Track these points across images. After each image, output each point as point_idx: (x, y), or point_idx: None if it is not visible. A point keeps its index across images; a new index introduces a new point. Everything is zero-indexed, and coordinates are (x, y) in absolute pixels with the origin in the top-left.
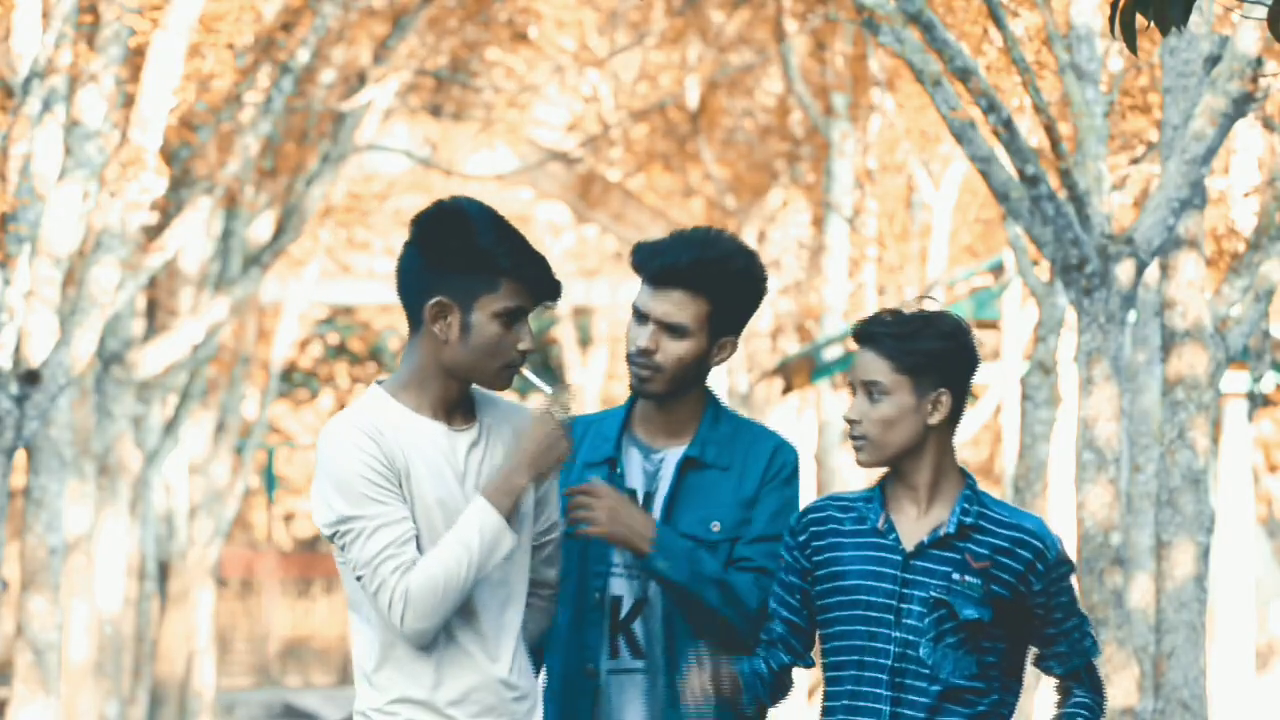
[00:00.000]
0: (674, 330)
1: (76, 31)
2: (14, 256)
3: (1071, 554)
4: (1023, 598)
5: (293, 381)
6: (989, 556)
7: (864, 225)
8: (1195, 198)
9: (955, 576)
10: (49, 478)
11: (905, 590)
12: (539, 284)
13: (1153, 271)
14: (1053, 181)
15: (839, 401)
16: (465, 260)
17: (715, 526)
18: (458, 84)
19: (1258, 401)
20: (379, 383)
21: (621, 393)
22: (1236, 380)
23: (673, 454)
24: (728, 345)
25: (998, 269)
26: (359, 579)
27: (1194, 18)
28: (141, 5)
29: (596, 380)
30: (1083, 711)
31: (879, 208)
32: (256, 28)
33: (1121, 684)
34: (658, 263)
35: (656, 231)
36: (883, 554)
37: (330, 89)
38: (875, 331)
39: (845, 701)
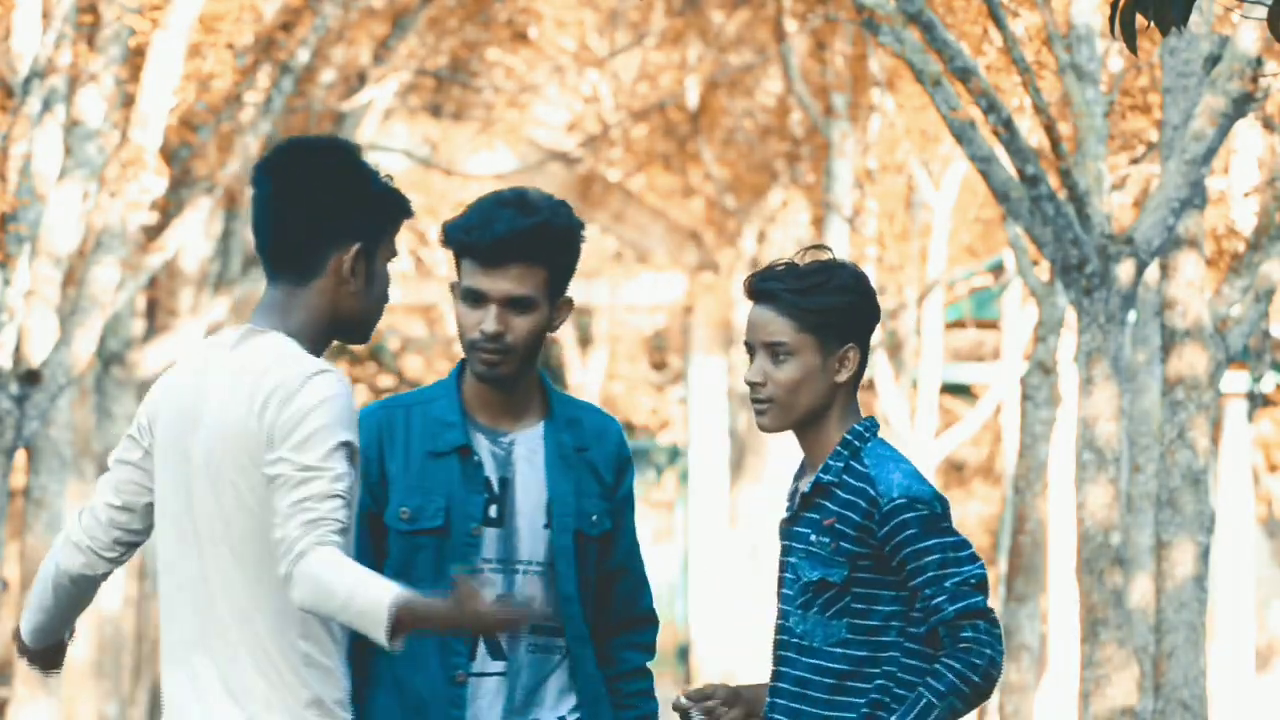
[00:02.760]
0: (520, 306)
1: (76, 31)
2: (14, 256)
3: (1071, 555)
4: (877, 552)
5: None
6: (836, 512)
7: (864, 225)
8: (1195, 198)
9: (812, 538)
10: (49, 478)
11: (784, 558)
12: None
13: (1153, 271)
14: (1053, 181)
15: None
16: (371, 202)
17: (595, 520)
18: (458, 84)
19: (1258, 401)
20: (281, 332)
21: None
22: (1236, 380)
23: (523, 436)
24: (564, 307)
25: (998, 269)
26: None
27: (1194, 18)
28: (141, 5)
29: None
30: (930, 682)
31: (879, 208)
32: (256, 28)
33: (1121, 684)
34: (488, 240)
35: (657, 231)
36: (783, 526)
37: (330, 89)
38: (774, 288)
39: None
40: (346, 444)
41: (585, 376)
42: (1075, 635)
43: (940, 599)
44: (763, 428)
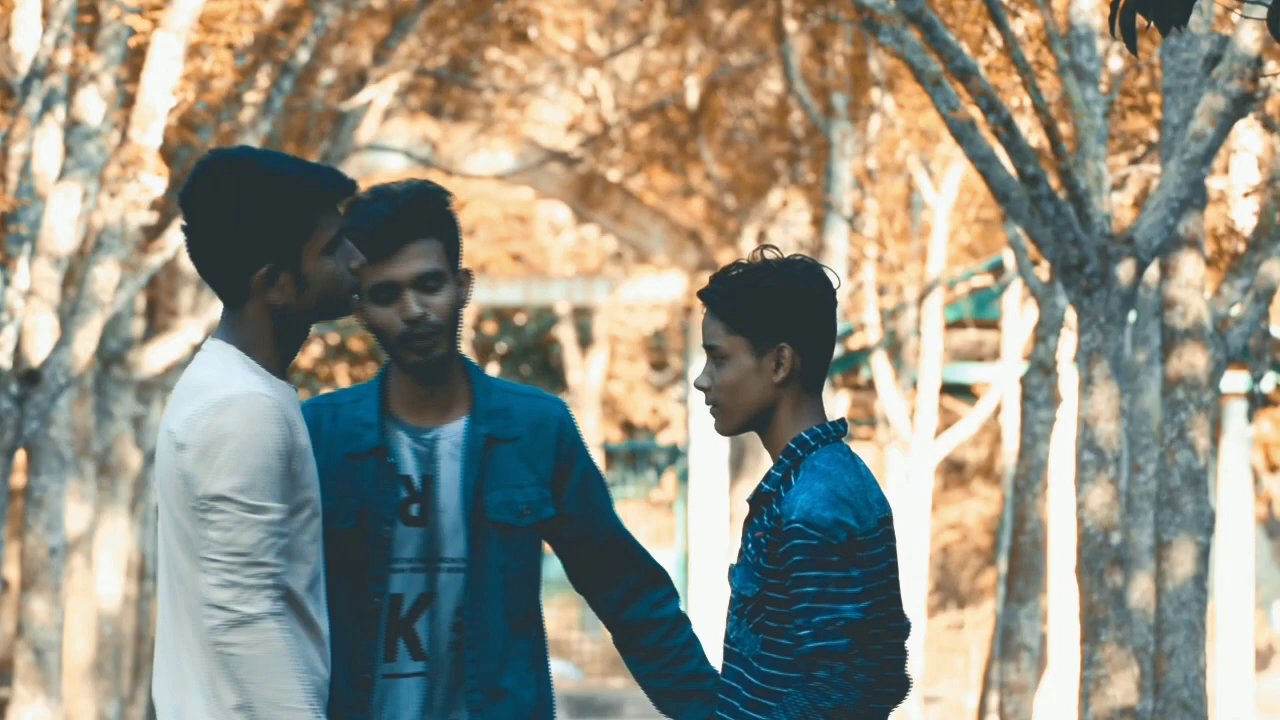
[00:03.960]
0: (430, 282)
1: (76, 31)
2: (14, 256)
3: (1071, 555)
4: (780, 573)
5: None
6: (763, 525)
7: (864, 225)
8: (1195, 198)
9: (750, 547)
10: (49, 478)
11: (733, 565)
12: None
13: (1153, 271)
14: (1053, 181)
15: (839, 401)
16: (267, 220)
17: (525, 511)
18: (458, 84)
19: (1258, 401)
20: (228, 345)
21: (623, 393)
22: (1236, 380)
23: (447, 431)
24: (466, 280)
25: (998, 269)
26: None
27: (1194, 18)
28: (141, 5)
29: (596, 380)
30: (778, 714)
31: (879, 208)
32: (256, 28)
33: (1121, 684)
34: (374, 225)
35: (657, 231)
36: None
37: (330, 89)
38: (707, 292)
39: None
40: (219, 497)
41: (585, 377)
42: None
43: (805, 632)
44: (718, 431)
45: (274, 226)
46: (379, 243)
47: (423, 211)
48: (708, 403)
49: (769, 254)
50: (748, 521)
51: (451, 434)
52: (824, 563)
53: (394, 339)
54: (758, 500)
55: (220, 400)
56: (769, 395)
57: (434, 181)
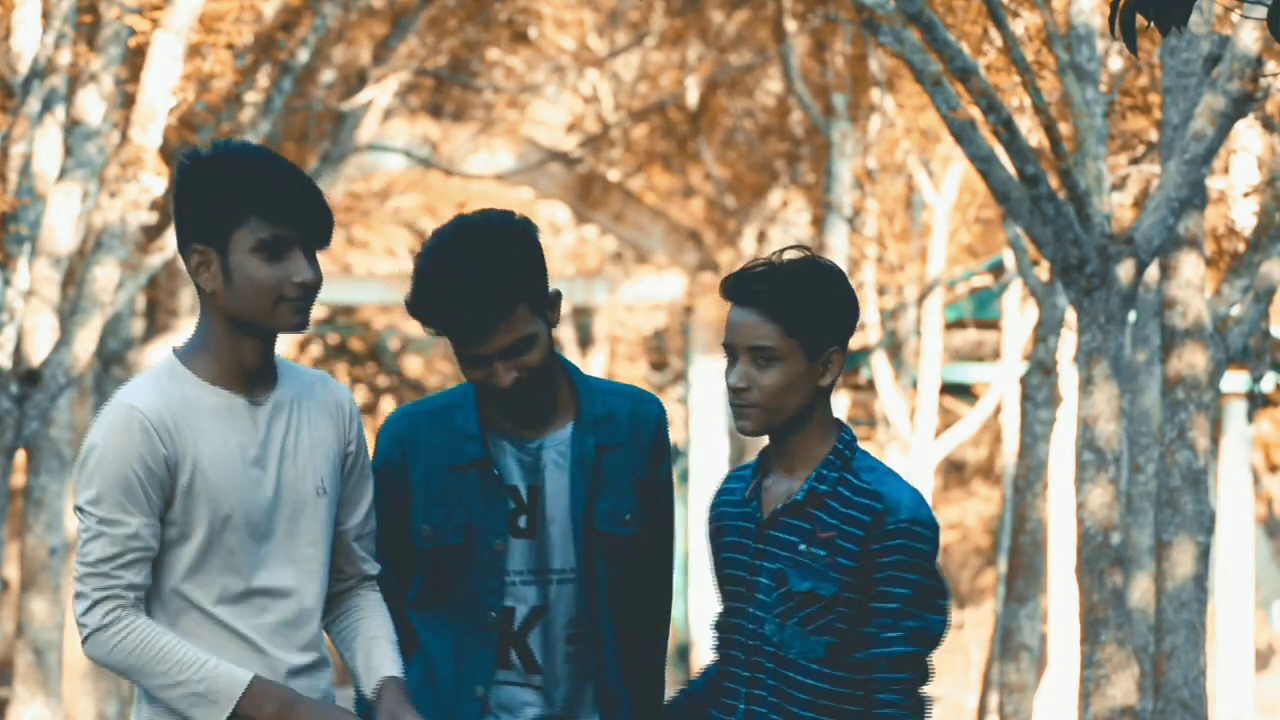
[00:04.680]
0: (521, 348)
1: (76, 31)
2: (14, 256)
3: (1071, 555)
4: (868, 571)
5: None
6: (835, 525)
7: (864, 225)
8: (1195, 198)
9: (802, 547)
10: (49, 478)
11: (757, 563)
12: (293, 210)
13: (1153, 271)
14: (1053, 181)
15: (838, 401)
16: (199, 203)
17: (629, 520)
18: (458, 84)
19: (1258, 401)
20: (175, 350)
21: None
22: (1236, 380)
23: (552, 439)
24: (554, 306)
25: (998, 269)
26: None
27: (1194, 18)
28: (141, 5)
29: None
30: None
31: (879, 208)
32: (256, 28)
33: (1121, 684)
34: (462, 331)
35: (657, 231)
36: (743, 524)
37: (330, 89)
38: (758, 290)
39: (720, 684)
40: (78, 508)
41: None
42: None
43: (894, 634)
44: (744, 431)
45: (198, 207)
46: (466, 337)
47: (504, 293)
48: (742, 403)
49: (794, 254)
50: (772, 520)
51: (557, 443)
52: (922, 568)
53: (489, 395)
54: (807, 501)
55: (101, 412)
56: (811, 398)
57: (514, 222)
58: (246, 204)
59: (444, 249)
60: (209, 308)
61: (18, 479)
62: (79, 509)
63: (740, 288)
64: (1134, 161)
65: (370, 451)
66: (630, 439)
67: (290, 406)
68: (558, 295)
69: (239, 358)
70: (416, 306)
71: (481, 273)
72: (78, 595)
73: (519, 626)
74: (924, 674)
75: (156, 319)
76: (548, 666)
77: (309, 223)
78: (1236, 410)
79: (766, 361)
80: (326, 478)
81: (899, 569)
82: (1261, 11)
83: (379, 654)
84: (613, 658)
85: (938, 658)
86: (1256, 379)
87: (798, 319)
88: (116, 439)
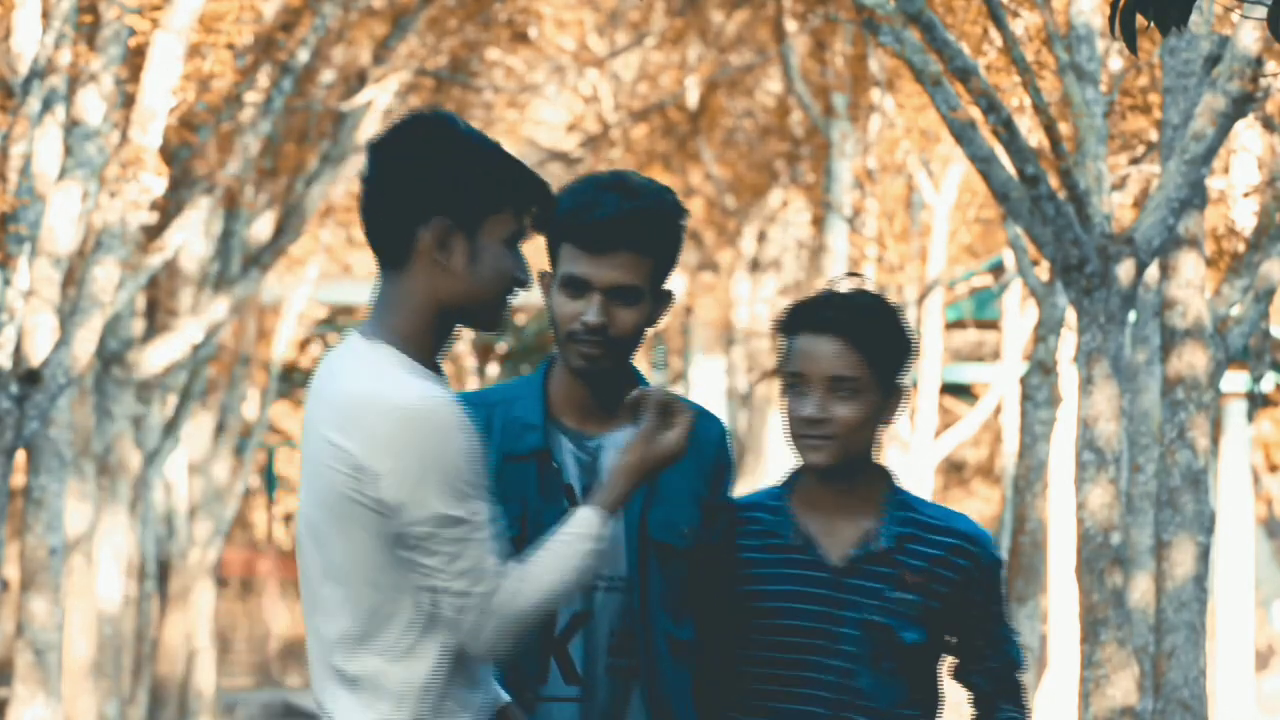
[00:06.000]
0: (625, 297)
1: (76, 31)
2: (14, 256)
3: (1071, 555)
4: (955, 610)
5: (293, 381)
6: (926, 569)
7: (864, 225)
8: (1195, 198)
9: (892, 595)
10: (49, 478)
11: (838, 612)
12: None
13: (1153, 271)
14: (1053, 181)
15: None
16: (462, 173)
17: (687, 533)
18: (458, 84)
19: (1258, 401)
20: (378, 338)
21: None
22: (1236, 380)
23: (611, 440)
24: (666, 301)
25: (998, 269)
26: (432, 589)
27: (1194, 18)
28: (141, 5)
29: None
30: None
31: (879, 208)
32: (256, 28)
33: (1121, 684)
34: (594, 221)
35: None
36: (804, 572)
37: (330, 89)
38: (842, 318)
39: None
40: (455, 520)
41: None
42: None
43: (1014, 652)
44: (815, 464)
45: (463, 181)
46: (592, 235)
47: (646, 225)
48: (818, 434)
49: (856, 282)
50: (852, 567)
51: (616, 443)
52: (1003, 589)
53: (564, 333)
54: (897, 546)
55: (410, 410)
56: (877, 436)
57: (673, 193)
58: (508, 193)
59: (606, 174)
60: (421, 289)
61: (18, 479)
62: (456, 521)
63: (824, 315)
64: (1134, 161)
65: None
66: (691, 453)
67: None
68: (671, 295)
69: (437, 346)
70: (565, 191)
71: (636, 194)
72: (463, 609)
73: (560, 632)
74: (1024, 693)
75: (156, 319)
76: (588, 677)
77: (544, 225)
78: (1236, 410)
79: (849, 393)
80: None
81: (997, 601)
82: (1261, 11)
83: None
84: (667, 672)
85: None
86: (1256, 379)
87: (879, 351)
88: (458, 436)
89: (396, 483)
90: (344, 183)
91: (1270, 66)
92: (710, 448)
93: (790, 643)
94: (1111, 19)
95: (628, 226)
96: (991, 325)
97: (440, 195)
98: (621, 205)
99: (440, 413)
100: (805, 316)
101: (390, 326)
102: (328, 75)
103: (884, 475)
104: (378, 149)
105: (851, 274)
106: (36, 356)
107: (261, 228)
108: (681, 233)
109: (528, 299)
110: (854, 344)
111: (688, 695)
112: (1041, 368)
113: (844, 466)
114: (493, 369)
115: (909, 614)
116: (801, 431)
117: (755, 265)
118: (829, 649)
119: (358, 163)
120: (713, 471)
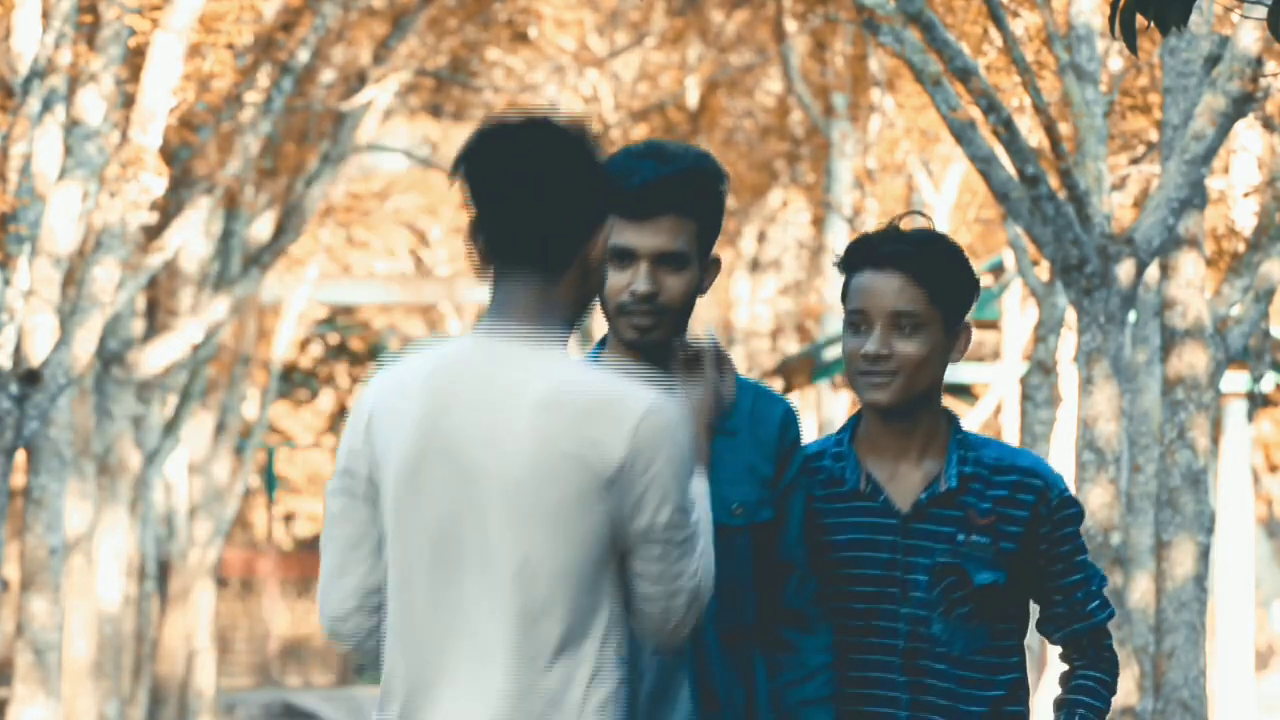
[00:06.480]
0: (672, 263)
1: (76, 31)
2: (14, 256)
3: None
4: (1030, 550)
5: (293, 381)
6: (992, 510)
7: (864, 225)
8: (1195, 198)
9: (961, 538)
10: (49, 478)
11: (908, 559)
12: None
13: (1153, 271)
14: (1053, 181)
15: (839, 401)
16: (602, 179)
17: (738, 510)
18: (458, 84)
19: (1258, 401)
20: (521, 338)
21: None
22: (1236, 380)
23: None
24: (713, 268)
25: (998, 269)
26: (651, 590)
27: (1194, 18)
28: (141, 5)
29: None
30: (1083, 699)
31: (879, 208)
32: (256, 28)
33: (1121, 684)
34: (634, 186)
35: None
36: (873, 519)
37: (330, 89)
38: (905, 253)
39: (851, 691)
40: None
41: None
42: None
43: (1092, 604)
44: (876, 403)
45: (606, 188)
46: (635, 203)
47: (690, 187)
48: (880, 370)
49: (922, 221)
50: (925, 514)
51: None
52: (1078, 533)
53: (614, 306)
54: (960, 488)
55: (658, 408)
56: (941, 374)
57: (711, 156)
58: (611, 202)
59: (641, 144)
60: (576, 292)
61: (18, 479)
62: (685, 516)
63: (885, 249)
64: (1134, 161)
65: None
66: (748, 430)
67: None
68: (718, 262)
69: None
70: (611, 159)
71: (673, 159)
72: (685, 622)
73: None
74: (1106, 657)
75: (156, 319)
76: (632, 659)
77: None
78: (1236, 410)
79: (912, 329)
80: None
81: (1074, 539)
82: (1261, 11)
83: None
84: (715, 663)
85: None
86: (1256, 379)
87: (942, 287)
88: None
89: (650, 480)
90: (344, 183)
91: (1270, 66)
92: (772, 425)
93: (860, 592)
94: (1111, 19)
95: (667, 189)
96: (991, 325)
97: (605, 199)
98: (660, 169)
99: (678, 410)
100: (866, 253)
101: (554, 330)
102: (328, 75)
103: (947, 417)
104: (541, 156)
105: (914, 212)
106: (36, 356)
107: (261, 228)
108: (723, 196)
109: None
110: (916, 279)
111: (737, 685)
112: (1041, 368)
113: (906, 406)
114: None
115: (980, 556)
116: (863, 369)
117: (755, 265)
118: (900, 596)
119: (358, 163)
120: (776, 451)
